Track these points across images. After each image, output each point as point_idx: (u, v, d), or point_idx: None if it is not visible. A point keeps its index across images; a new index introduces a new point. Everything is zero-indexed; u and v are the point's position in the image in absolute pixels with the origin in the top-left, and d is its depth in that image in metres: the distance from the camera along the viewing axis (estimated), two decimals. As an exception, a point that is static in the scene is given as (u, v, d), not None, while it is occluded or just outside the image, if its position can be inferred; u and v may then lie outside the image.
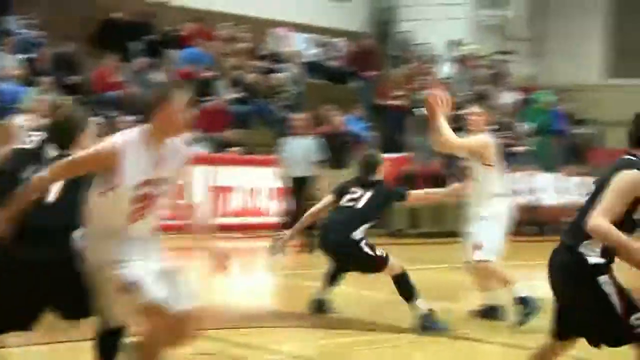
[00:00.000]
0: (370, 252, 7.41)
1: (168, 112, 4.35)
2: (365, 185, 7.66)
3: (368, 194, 7.58)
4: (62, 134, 4.80)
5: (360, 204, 7.54)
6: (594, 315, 4.34)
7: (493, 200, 7.78)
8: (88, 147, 4.58)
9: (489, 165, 7.74)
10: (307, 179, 12.68)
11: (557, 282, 4.41)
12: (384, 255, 7.45)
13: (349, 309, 7.92)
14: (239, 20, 18.22)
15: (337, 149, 13.89)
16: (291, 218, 11.77)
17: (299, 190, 12.79)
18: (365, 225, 7.53)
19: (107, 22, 16.75)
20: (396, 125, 17.65)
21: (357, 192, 7.61)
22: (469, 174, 7.84)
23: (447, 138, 7.22)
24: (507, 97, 19.99)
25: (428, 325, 7.20)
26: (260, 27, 18.52)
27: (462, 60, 19.99)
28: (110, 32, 16.61)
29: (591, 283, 4.24)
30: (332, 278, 7.78)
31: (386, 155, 16.38)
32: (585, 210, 4.24)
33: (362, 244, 7.43)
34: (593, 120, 21.13)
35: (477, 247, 7.59)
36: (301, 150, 12.64)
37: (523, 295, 7.56)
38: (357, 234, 7.46)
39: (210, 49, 17.07)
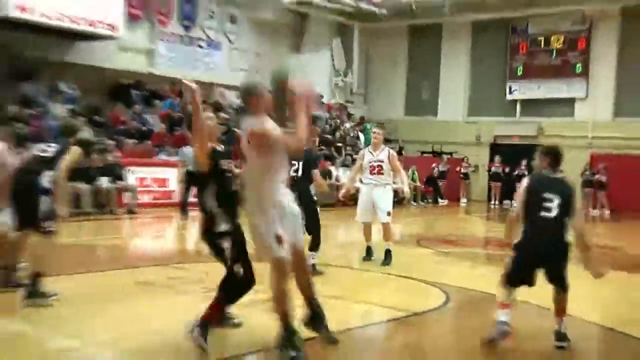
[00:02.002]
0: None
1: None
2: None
3: (300, 164, 6.31)
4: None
5: (299, 173, 6.26)
6: None
7: None
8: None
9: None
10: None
11: None
12: None
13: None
14: (196, 83, 19.14)
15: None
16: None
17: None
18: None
19: (117, 84, 16.97)
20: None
21: (295, 164, 6.23)
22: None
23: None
24: (350, 127, 21.90)
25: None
26: (209, 86, 17.84)
27: (324, 106, 20.93)
28: (119, 90, 16.86)
29: None
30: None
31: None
32: None
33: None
34: (396, 140, 22.32)
35: (390, 214, 7.33)
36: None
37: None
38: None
39: (179, 101, 17.15)
